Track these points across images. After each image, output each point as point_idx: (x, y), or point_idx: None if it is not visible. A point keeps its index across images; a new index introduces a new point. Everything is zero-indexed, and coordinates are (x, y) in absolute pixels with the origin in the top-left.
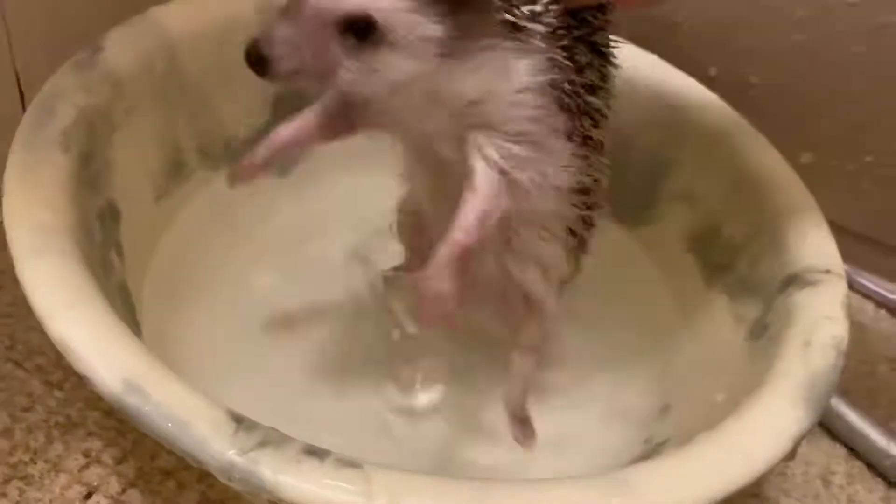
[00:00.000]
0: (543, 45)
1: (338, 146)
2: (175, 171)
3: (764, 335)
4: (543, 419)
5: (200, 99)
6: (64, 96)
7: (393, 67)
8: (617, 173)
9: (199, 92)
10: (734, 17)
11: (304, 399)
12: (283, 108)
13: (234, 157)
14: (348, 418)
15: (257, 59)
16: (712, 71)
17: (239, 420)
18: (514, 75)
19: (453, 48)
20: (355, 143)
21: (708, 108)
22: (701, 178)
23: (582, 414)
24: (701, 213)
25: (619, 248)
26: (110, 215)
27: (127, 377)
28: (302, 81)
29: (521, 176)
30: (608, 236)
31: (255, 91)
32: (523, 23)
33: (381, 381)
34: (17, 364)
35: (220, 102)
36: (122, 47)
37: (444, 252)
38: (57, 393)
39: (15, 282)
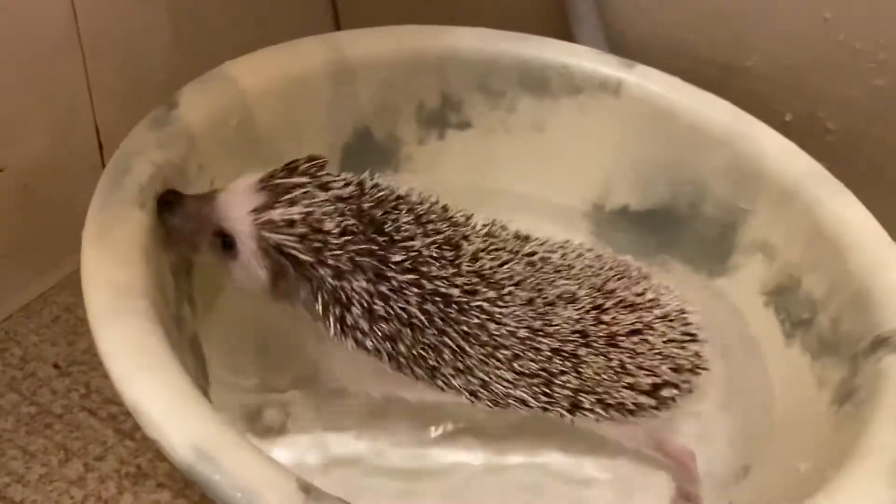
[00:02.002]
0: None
1: None
2: None
3: (850, 401)
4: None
5: (271, 150)
6: (140, 153)
7: (236, 275)
8: (691, 222)
9: (271, 145)
10: (810, 61)
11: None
12: (351, 159)
13: None
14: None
15: (163, 202)
16: (788, 116)
17: (307, 490)
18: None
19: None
20: None
21: (784, 155)
22: (777, 228)
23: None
24: (779, 265)
25: (695, 298)
26: (184, 268)
27: (198, 444)
28: (175, 238)
29: None
30: (685, 286)
31: (324, 143)
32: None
33: None
34: (92, 413)
35: (290, 153)
36: (196, 103)
37: None
38: (128, 443)
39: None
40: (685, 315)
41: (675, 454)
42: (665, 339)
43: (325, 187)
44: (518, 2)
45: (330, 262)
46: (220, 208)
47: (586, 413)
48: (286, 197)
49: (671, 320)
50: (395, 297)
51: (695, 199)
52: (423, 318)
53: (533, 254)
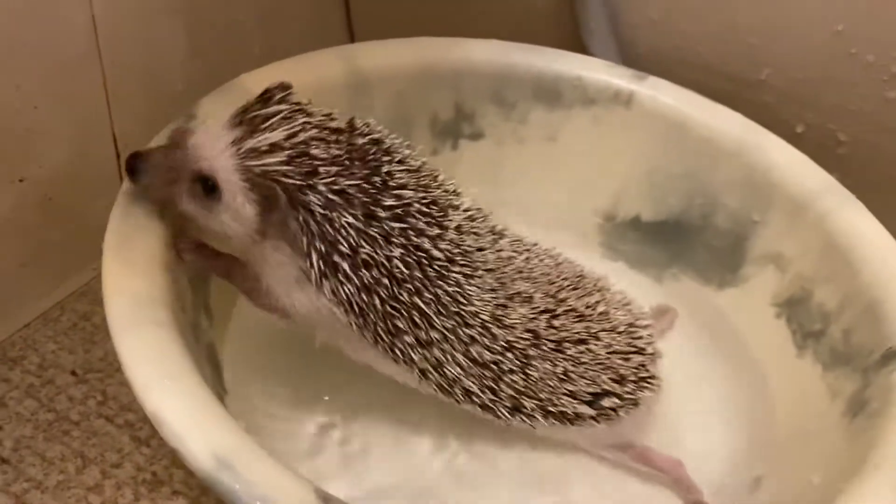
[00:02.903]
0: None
1: None
2: None
3: (862, 413)
4: (631, 488)
5: None
6: None
7: (221, 221)
8: (703, 233)
9: None
10: (822, 74)
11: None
12: None
13: None
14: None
15: (129, 168)
16: (799, 128)
17: (326, 500)
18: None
19: (260, 231)
20: None
21: (796, 167)
22: (790, 240)
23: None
24: (791, 277)
25: (706, 310)
26: (201, 277)
27: (218, 453)
28: (152, 198)
29: None
30: (693, 297)
31: None
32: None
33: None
34: (109, 420)
35: None
36: (213, 114)
37: None
38: (144, 449)
39: (107, 337)
40: (634, 329)
41: (661, 466)
42: (609, 349)
43: (306, 113)
44: (531, 14)
45: (321, 187)
46: (194, 150)
47: (524, 419)
48: (265, 125)
49: (618, 332)
50: (382, 243)
51: (706, 210)
52: (405, 271)
53: (501, 250)
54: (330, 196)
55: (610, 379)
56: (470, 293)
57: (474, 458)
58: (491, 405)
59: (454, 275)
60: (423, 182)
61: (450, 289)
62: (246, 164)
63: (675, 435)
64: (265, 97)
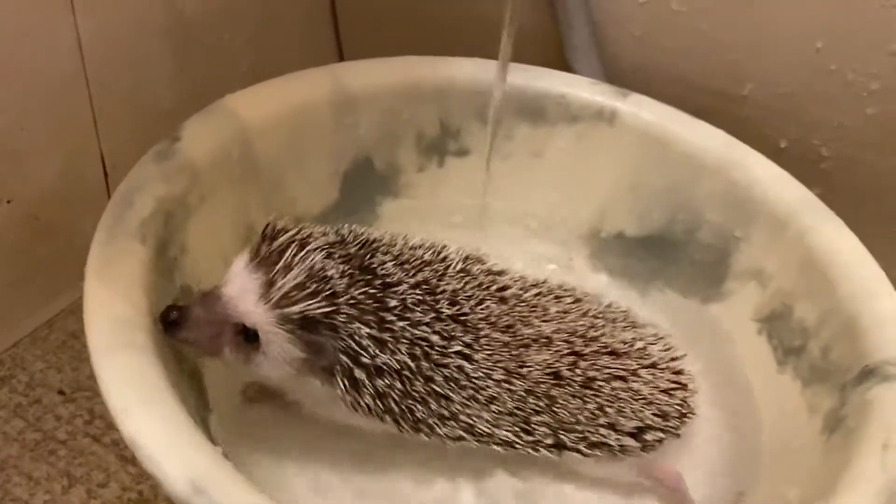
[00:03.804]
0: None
1: None
2: None
3: (839, 430)
4: None
5: (273, 180)
6: (143, 188)
7: (264, 364)
8: (686, 248)
9: (272, 174)
10: (803, 90)
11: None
12: (352, 188)
13: None
14: None
15: (165, 322)
16: (783, 143)
17: None
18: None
19: (304, 373)
20: None
21: (777, 183)
22: (771, 256)
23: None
24: (772, 292)
25: (691, 324)
26: (184, 300)
27: (194, 479)
28: (194, 349)
29: None
30: (676, 312)
31: (324, 172)
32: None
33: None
34: (95, 439)
35: (291, 183)
36: (198, 136)
37: None
38: (130, 469)
39: None
40: (674, 362)
41: (663, 477)
42: (650, 385)
43: (307, 241)
44: (516, 32)
45: (343, 308)
46: (230, 305)
47: (571, 451)
48: (280, 264)
49: (660, 369)
50: (392, 346)
51: (690, 225)
52: (413, 366)
53: (505, 288)
54: (350, 312)
55: (653, 414)
56: (477, 360)
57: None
58: (533, 446)
59: (456, 349)
60: (410, 265)
61: (455, 364)
62: (282, 313)
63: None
64: (268, 234)
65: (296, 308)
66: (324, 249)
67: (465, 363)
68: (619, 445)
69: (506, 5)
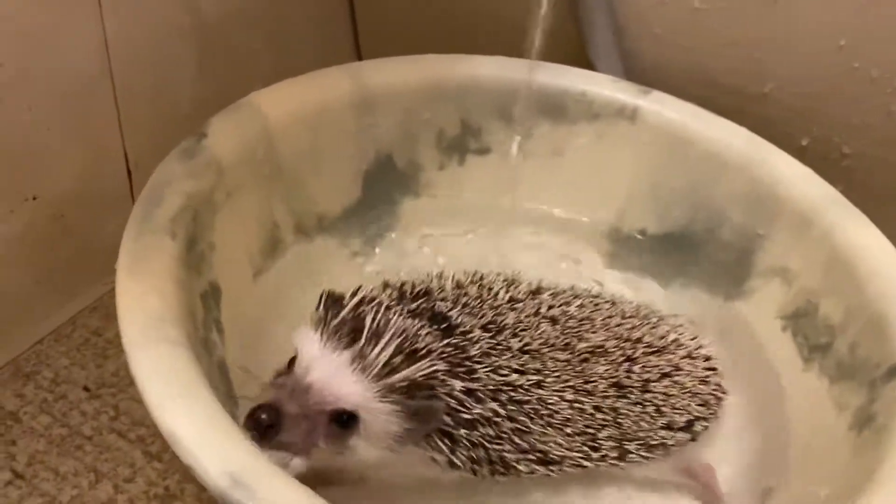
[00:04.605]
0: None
1: None
2: (272, 248)
3: (869, 427)
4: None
5: (295, 178)
6: (171, 184)
7: (359, 451)
8: (708, 246)
9: (294, 172)
10: (826, 88)
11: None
12: (372, 186)
13: (327, 231)
14: None
15: (257, 426)
16: (804, 141)
17: None
18: None
19: (405, 441)
20: None
21: (801, 181)
22: (795, 253)
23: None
24: (796, 290)
25: (714, 322)
26: (212, 295)
27: (232, 471)
28: (282, 450)
29: None
30: (699, 310)
31: (345, 171)
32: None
33: None
34: (121, 435)
35: (313, 182)
36: (224, 134)
37: None
38: (156, 464)
39: (119, 352)
40: (702, 349)
41: (697, 472)
42: (690, 376)
43: (379, 301)
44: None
45: (439, 366)
46: (326, 391)
47: (634, 459)
48: (366, 332)
49: (693, 358)
50: (483, 393)
51: (712, 223)
52: (502, 411)
53: (550, 307)
54: (444, 368)
55: (697, 405)
56: (549, 384)
57: None
58: (601, 461)
59: (533, 379)
60: (468, 306)
61: (536, 395)
62: (386, 384)
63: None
64: (336, 301)
65: (399, 375)
66: (399, 308)
67: (541, 392)
68: (674, 442)
69: None
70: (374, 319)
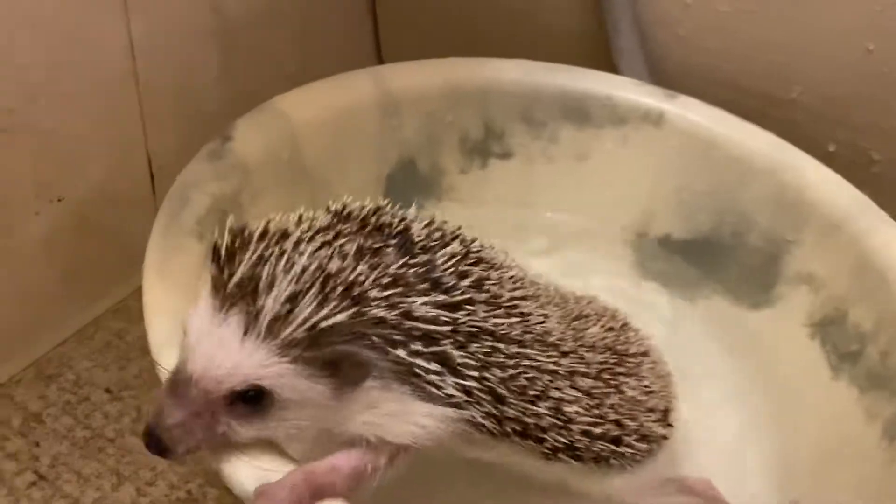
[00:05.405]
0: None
1: None
2: None
3: None
4: None
5: (319, 182)
6: (198, 185)
7: (285, 422)
8: (734, 252)
9: (318, 175)
10: (853, 93)
11: None
12: (395, 189)
13: None
14: None
15: (156, 446)
16: (831, 147)
17: None
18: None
19: (342, 393)
20: None
21: (829, 186)
22: (823, 259)
23: None
24: (824, 297)
25: (739, 330)
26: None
27: (261, 476)
28: (201, 452)
29: None
30: (725, 316)
31: (368, 174)
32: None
33: None
34: None
35: (336, 185)
36: (249, 136)
37: (297, 477)
38: (178, 467)
39: (141, 354)
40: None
41: (697, 489)
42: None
43: (280, 236)
44: (560, 33)
45: (371, 294)
46: (207, 377)
47: (628, 452)
48: (263, 282)
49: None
50: (459, 304)
51: (738, 229)
52: (501, 323)
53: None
54: (384, 295)
55: (668, 394)
56: (547, 325)
57: None
58: (600, 439)
59: (525, 309)
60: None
61: (536, 323)
62: (286, 345)
63: (710, 455)
64: (223, 255)
65: (300, 330)
66: (311, 238)
67: (542, 325)
68: (661, 435)
69: None
70: (271, 265)
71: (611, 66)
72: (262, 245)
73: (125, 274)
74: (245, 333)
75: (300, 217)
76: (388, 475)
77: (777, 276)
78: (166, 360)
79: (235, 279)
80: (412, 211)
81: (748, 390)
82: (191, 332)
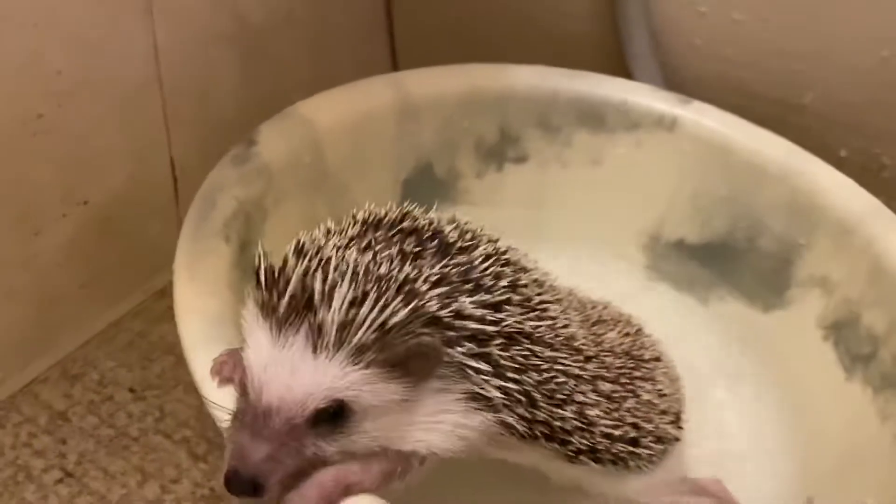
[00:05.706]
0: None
1: None
2: None
3: None
4: None
5: (339, 186)
6: (224, 189)
7: (366, 434)
8: (748, 256)
9: (338, 180)
10: (867, 99)
11: None
12: (411, 193)
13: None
14: None
15: (244, 488)
16: (843, 152)
17: None
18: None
19: (414, 393)
20: None
21: (842, 191)
22: (836, 263)
23: None
24: (837, 300)
25: (752, 332)
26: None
27: None
28: (295, 483)
29: None
30: (740, 319)
31: (386, 178)
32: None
33: None
34: (167, 436)
35: (355, 186)
36: (273, 141)
37: (327, 475)
38: (202, 465)
39: (164, 354)
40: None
41: (709, 489)
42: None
43: (324, 251)
44: (575, 39)
45: (429, 293)
46: (285, 406)
47: (644, 454)
48: (317, 299)
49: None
50: (512, 308)
51: (751, 233)
52: (538, 326)
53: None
54: (438, 291)
55: (680, 397)
56: (571, 329)
57: None
58: (618, 440)
59: (553, 312)
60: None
61: (561, 327)
62: (358, 350)
63: (725, 457)
64: (269, 281)
65: (368, 334)
66: (348, 248)
67: (566, 331)
68: (674, 437)
69: None
70: (321, 276)
71: (625, 72)
72: (304, 260)
73: (147, 275)
74: (314, 349)
75: (328, 230)
76: (416, 477)
77: (790, 279)
78: (198, 360)
79: (287, 297)
80: (433, 214)
81: (761, 391)
82: (253, 366)
